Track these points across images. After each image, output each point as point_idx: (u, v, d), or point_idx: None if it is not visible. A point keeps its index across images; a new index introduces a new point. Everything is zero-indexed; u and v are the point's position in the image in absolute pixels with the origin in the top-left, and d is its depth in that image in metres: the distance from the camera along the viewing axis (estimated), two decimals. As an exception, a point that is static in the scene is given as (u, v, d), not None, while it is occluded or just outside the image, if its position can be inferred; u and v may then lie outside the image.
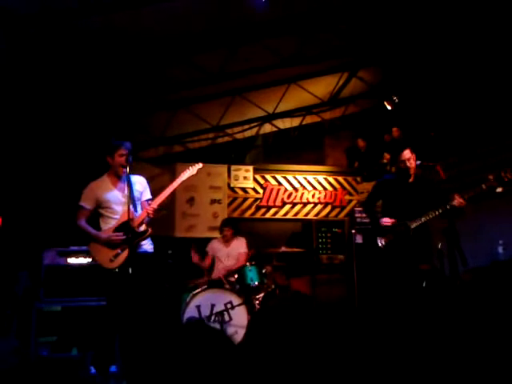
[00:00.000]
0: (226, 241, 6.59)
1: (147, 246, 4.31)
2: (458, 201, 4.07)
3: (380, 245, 4.37)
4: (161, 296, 4.53)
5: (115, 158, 4.21)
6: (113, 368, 4.30)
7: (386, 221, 4.37)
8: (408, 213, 4.30)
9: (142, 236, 4.17)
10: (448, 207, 4.08)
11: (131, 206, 4.05)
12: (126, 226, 4.07)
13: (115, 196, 4.22)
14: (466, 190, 4.11)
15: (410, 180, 4.49)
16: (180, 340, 2.94)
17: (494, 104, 7.07)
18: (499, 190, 4.06)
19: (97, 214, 4.32)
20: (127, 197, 4.10)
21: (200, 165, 4.41)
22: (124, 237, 4.10)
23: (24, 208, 6.50)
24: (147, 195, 4.40)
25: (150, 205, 4.19)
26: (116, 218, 4.21)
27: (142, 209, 4.27)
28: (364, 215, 7.74)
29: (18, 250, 5.94)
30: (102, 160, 4.37)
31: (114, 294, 4.14)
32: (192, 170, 4.36)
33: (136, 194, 4.29)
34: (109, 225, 4.23)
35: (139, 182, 4.40)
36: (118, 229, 4.16)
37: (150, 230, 4.21)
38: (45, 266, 5.46)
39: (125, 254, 4.11)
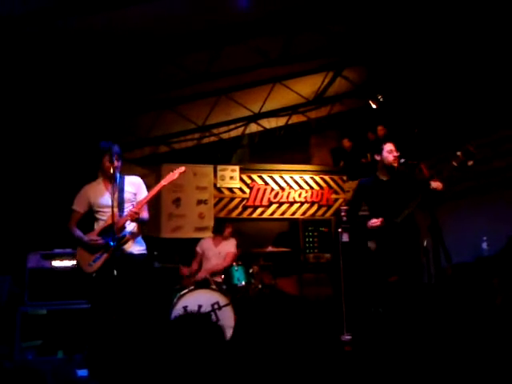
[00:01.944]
0: (224, 239, 6.65)
1: (133, 248, 4.27)
2: (435, 183, 4.13)
3: (372, 247, 4.37)
4: (147, 299, 4.48)
5: (104, 162, 4.19)
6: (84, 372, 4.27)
7: (374, 221, 4.37)
8: (392, 211, 4.32)
9: (121, 241, 4.13)
10: (426, 191, 4.12)
11: (116, 210, 4.03)
12: (109, 230, 4.05)
13: (106, 199, 4.19)
14: (440, 173, 4.17)
15: (386, 178, 4.51)
16: (169, 337, 2.92)
17: (478, 101, 7.14)
18: (470, 163, 4.13)
19: (93, 216, 4.32)
20: (116, 200, 4.07)
21: (182, 169, 4.39)
22: (102, 241, 4.09)
23: (7, 211, 6.43)
24: (143, 195, 4.35)
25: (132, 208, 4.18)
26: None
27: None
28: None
29: (2, 254, 5.87)
30: (87, 162, 4.36)
31: (94, 299, 4.15)
32: (173, 175, 4.34)
33: (127, 195, 4.27)
34: (99, 228, 4.23)
35: (132, 183, 4.37)
36: (101, 232, 4.15)
37: (128, 236, 4.17)
38: (29, 270, 5.42)
39: (103, 258, 4.11)
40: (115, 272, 3.95)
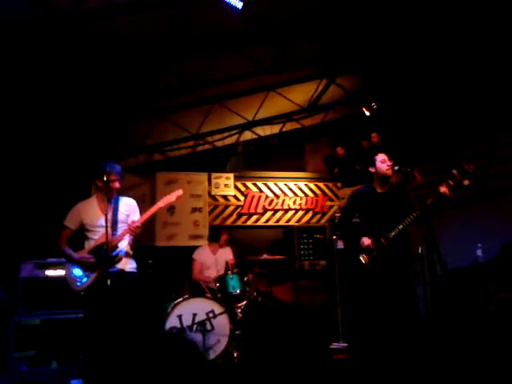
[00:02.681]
0: (220, 246, 6.69)
1: (125, 265, 4.25)
2: (443, 188, 4.06)
3: (363, 262, 4.35)
4: (137, 316, 4.46)
5: (103, 182, 4.10)
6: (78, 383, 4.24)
7: (366, 241, 4.34)
8: (384, 223, 4.31)
9: (113, 260, 4.12)
10: (431, 201, 4.08)
11: (109, 229, 4.01)
12: (100, 249, 4.03)
13: (100, 219, 4.16)
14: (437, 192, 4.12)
15: (381, 190, 4.51)
16: (155, 356, 2.92)
17: (473, 108, 7.18)
18: (466, 182, 4.09)
19: (83, 234, 4.30)
20: (109, 220, 4.05)
21: (180, 192, 4.40)
22: (93, 260, 4.08)
23: (0, 220, 6.39)
24: (135, 216, 4.35)
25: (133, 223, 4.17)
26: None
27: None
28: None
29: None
30: (81, 171, 4.34)
31: (85, 316, 4.18)
32: (170, 197, 4.33)
33: (121, 216, 4.27)
34: (90, 247, 4.22)
35: (126, 204, 4.38)
36: (92, 251, 4.13)
37: (120, 256, 4.16)
38: (22, 279, 5.38)
39: (93, 277, 4.11)
40: (108, 282, 3.93)
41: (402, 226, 4.21)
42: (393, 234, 4.23)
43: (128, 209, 4.35)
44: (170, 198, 4.32)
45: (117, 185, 4.19)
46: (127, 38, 5.33)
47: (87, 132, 6.82)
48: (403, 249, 4.34)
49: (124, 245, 4.25)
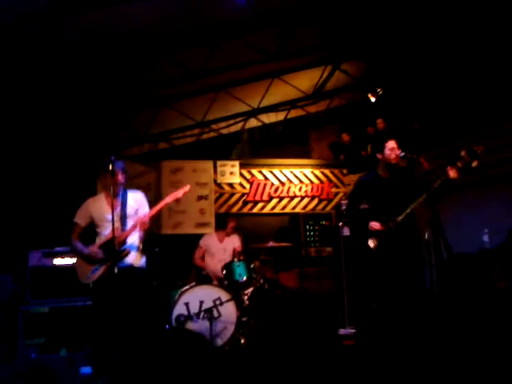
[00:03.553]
0: (227, 234, 6.70)
1: (134, 260, 4.29)
2: (452, 172, 4.03)
3: (372, 246, 4.35)
4: (145, 310, 4.51)
5: (106, 178, 4.12)
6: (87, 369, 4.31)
7: (375, 225, 4.34)
8: (392, 208, 4.30)
9: (121, 254, 4.15)
10: (438, 184, 4.06)
11: (118, 224, 4.08)
12: (110, 244, 4.06)
13: (107, 214, 4.17)
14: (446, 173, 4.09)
15: (386, 176, 4.49)
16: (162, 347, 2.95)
17: (478, 95, 7.12)
18: (474, 164, 4.06)
19: (94, 230, 4.36)
20: (118, 215, 4.12)
21: (187, 187, 4.39)
22: (103, 255, 4.14)
23: (8, 209, 6.43)
24: (144, 210, 4.38)
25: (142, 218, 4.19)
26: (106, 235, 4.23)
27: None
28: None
29: (2, 252, 5.87)
30: (87, 160, 4.36)
31: (94, 309, 4.23)
32: (177, 193, 4.33)
33: (129, 210, 4.31)
34: (100, 242, 4.28)
35: (134, 198, 4.40)
36: (102, 245, 4.20)
37: (127, 250, 4.19)
38: (30, 268, 5.43)
39: (101, 271, 4.16)
40: (116, 270, 3.96)
41: (409, 210, 4.20)
42: (400, 218, 4.23)
43: (137, 203, 4.39)
44: (178, 193, 4.34)
45: (120, 178, 4.21)
46: (130, 28, 5.31)
47: (93, 122, 6.83)
48: (412, 232, 4.33)
49: (134, 239, 4.29)
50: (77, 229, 4.34)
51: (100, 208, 4.31)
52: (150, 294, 5.64)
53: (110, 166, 4.03)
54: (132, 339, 3.98)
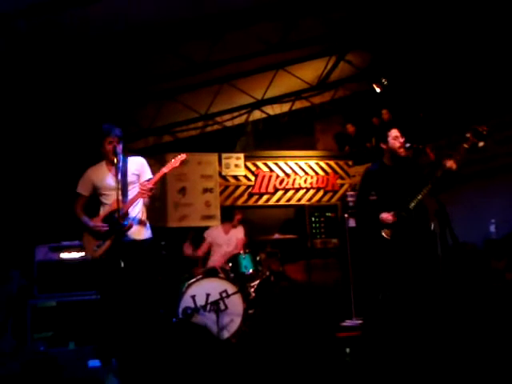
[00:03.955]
0: (233, 226, 6.70)
1: (137, 234, 4.18)
2: (449, 162, 4.04)
3: (386, 236, 4.32)
4: (154, 285, 4.47)
5: (105, 146, 4.10)
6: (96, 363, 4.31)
7: (387, 217, 4.32)
8: (401, 196, 4.27)
9: (124, 228, 4.06)
10: (440, 174, 4.05)
11: (120, 195, 3.95)
12: (113, 216, 4.02)
13: (110, 181, 4.13)
14: (451, 155, 4.09)
15: (392, 164, 4.46)
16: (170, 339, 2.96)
17: (485, 83, 7.06)
18: (481, 144, 4.04)
19: (97, 200, 4.27)
20: (119, 182, 3.99)
21: (183, 156, 4.29)
22: (106, 228, 4.06)
23: (14, 204, 6.45)
24: (146, 175, 4.27)
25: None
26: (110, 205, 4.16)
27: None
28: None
29: (9, 247, 5.90)
30: (92, 154, 4.33)
31: (101, 285, 4.16)
32: (174, 162, 4.22)
33: (131, 178, 4.18)
34: (104, 213, 4.19)
35: (135, 164, 4.28)
36: (105, 218, 4.11)
37: (130, 223, 4.08)
38: (37, 262, 5.45)
39: (107, 244, 4.07)
40: (121, 262, 3.94)
41: (420, 197, 4.18)
42: (412, 204, 4.20)
43: (137, 168, 4.27)
44: (175, 163, 4.22)
45: (116, 146, 4.10)
46: (134, 20, 5.28)
47: (97, 115, 6.82)
48: (424, 220, 4.32)
49: (136, 211, 4.18)
50: (80, 199, 4.24)
51: (101, 175, 4.22)
52: (157, 265, 5.55)
53: (106, 133, 4.04)
54: (140, 328, 3.95)
